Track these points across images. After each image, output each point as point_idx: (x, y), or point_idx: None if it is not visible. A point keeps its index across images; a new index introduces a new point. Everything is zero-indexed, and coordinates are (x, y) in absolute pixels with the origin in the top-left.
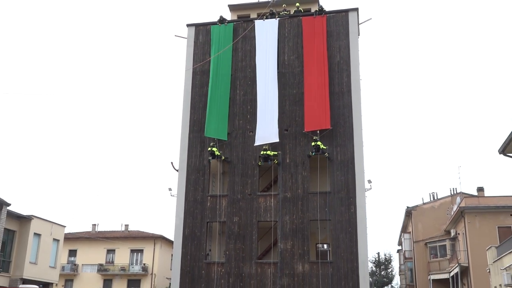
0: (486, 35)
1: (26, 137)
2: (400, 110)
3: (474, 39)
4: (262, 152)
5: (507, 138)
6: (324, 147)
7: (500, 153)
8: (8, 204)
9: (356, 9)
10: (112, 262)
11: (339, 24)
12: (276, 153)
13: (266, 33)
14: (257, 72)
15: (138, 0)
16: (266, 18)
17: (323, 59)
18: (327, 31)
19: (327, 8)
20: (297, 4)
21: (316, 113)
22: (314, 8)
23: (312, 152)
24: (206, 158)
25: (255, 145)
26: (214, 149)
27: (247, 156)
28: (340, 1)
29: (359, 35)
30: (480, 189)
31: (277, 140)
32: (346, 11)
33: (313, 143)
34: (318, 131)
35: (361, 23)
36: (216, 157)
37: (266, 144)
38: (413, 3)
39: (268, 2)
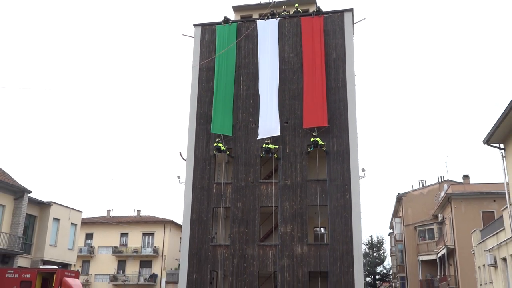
0: (471, 30)
1: (45, 129)
2: (392, 103)
3: (461, 34)
4: (264, 145)
5: (491, 129)
6: (322, 143)
7: (484, 144)
8: (29, 191)
9: (351, 10)
10: (126, 244)
11: (335, 24)
12: (276, 146)
13: (268, 32)
14: (259, 68)
15: (148, 2)
16: (268, 18)
17: (320, 56)
18: (324, 30)
19: (324, 8)
20: (296, 5)
21: (314, 111)
22: (312, 9)
23: (311, 148)
24: (212, 149)
25: (258, 138)
26: (220, 144)
27: (250, 147)
28: (336, 2)
29: (353, 33)
30: (466, 177)
31: (278, 133)
32: (342, 12)
33: (312, 139)
34: (315, 128)
35: (355, 23)
36: (221, 151)
37: (268, 138)
38: (403, 5)
39: (269, 3)
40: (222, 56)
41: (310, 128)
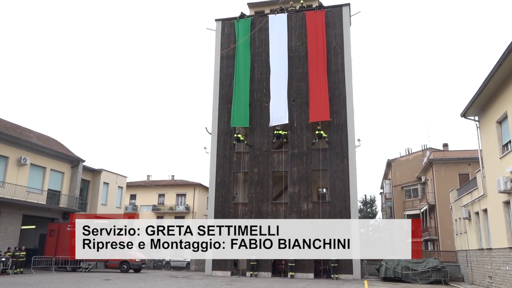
0: (453, 10)
1: (95, 107)
2: (383, 82)
3: (442, 15)
4: (275, 132)
5: (467, 104)
6: (325, 135)
7: (461, 116)
8: (84, 161)
9: (348, 4)
10: (163, 203)
11: (335, 16)
12: (286, 132)
13: (277, 25)
14: (271, 56)
15: (177, 2)
16: (277, 13)
17: (322, 45)
18: (325, 22)
19: (325, 3)
20: (301, 1)
21: (318, 108)
22: (315, 4)
23: (315, 139)
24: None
25: (270, 125)
26: (239, 135)
27: (264, 122)
28: None
29: (350, 24)
30: (445, 145)
31: (287, 122)
32: (340, 6)
33: (317, 132)
34: (320, 122)
35: (352, 15)
36: (240, 141)
37: (278, 125)
38: (392, 1)
39: (279, 0)
40: (240, 46)
41: (315, 122)
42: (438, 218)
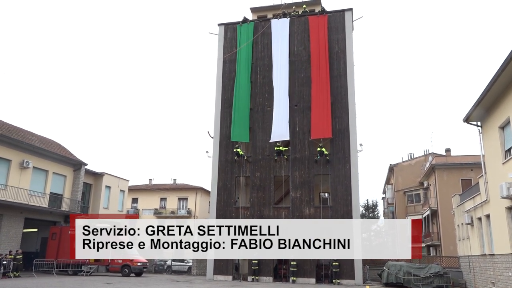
0: (455, 14)
1: (98, 111)
2: (386, 87)
3: (444, 20)
4: (276, 148)
5: (469, 110)
6: (326, 152)
7: (464, 122)
8: (86, 164)
9: (351, 9)
10: (165, 207)
11: (337, 21)
12: (287, 148)
13: (280, 30)
14: (273, 60)
15: (180, 6)
16: (280, 17)
17: (324, 50)
18: (328, 27)
19: (327, 8)
20: (304, 6)
21: (320, 125)
22: (317, 9)
23: (317, 156)
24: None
25: (270, 141)
26: (239, 150)
27: (266, 126)
28: (338, 2)
29: (353, 29)
30: (448, 150)
31: (288, 138)
32: (343, 11)
33: (318, 149)
34: (321, 139)
35: (354, 20)
36: (240, 156)
37: (279, 141)
38: (395, 7)
39: (282, 5)
40: (242, 51)
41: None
42: (441, 224)
